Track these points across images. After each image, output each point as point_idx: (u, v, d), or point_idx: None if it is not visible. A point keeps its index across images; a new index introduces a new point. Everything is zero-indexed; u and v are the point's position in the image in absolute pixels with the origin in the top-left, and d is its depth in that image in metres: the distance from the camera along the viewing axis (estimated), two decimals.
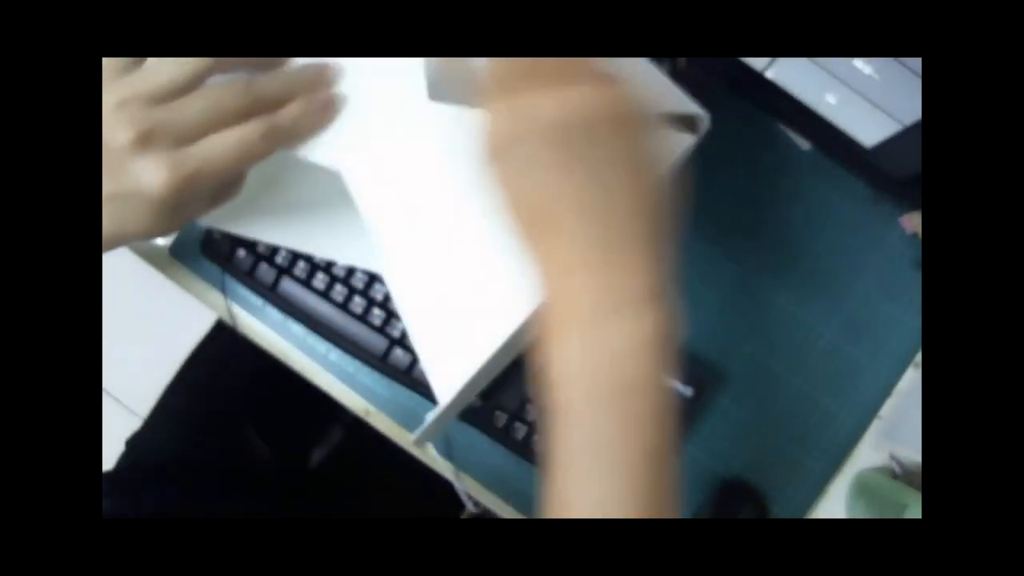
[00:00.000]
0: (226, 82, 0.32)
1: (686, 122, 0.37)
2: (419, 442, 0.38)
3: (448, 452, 0.51)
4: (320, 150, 0.35)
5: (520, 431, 0.49)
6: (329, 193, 0.41)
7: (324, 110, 0.34)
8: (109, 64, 0.31)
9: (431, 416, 0.36)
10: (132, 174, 0.30)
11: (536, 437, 0.49)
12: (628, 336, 0.27)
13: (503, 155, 0.28)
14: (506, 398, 0.49)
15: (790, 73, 0.45)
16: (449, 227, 0.36)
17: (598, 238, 0.27)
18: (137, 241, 0.34)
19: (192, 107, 0.31)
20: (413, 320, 0.36)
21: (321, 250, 0.46)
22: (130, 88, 0.30)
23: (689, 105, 0.36)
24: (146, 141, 0.30)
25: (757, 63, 0.45)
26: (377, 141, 0.36)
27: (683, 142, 0.36)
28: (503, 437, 0.49)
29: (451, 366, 0.35)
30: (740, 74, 0.45)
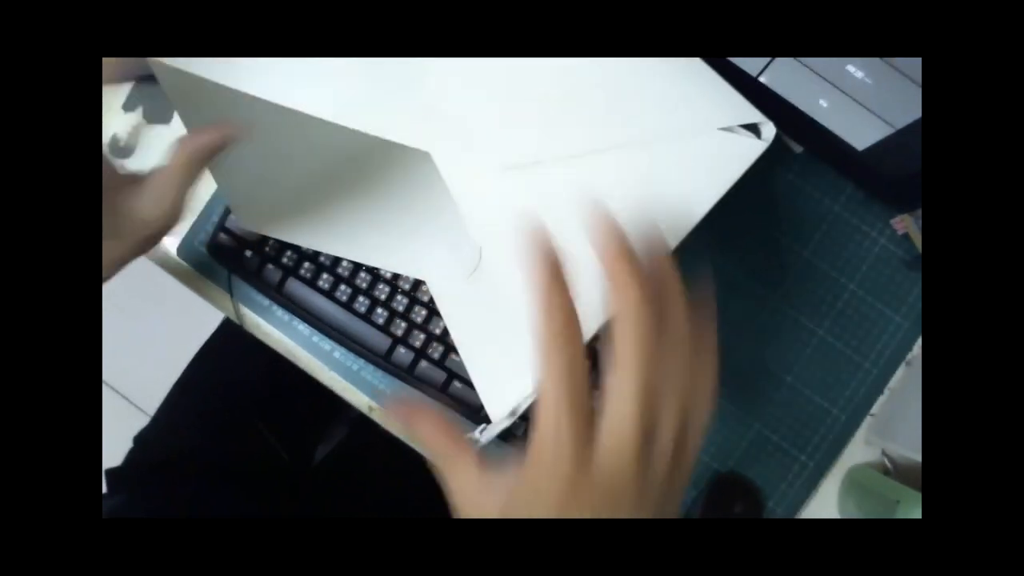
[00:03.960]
0: None
1: (751, 130, 0.37)
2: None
3: None
4: None
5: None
6: (377, 200, 0.42)
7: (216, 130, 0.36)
8: None
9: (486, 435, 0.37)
10: None
11: None
12: None
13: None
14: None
15: (783, 77, 0.46)
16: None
17: None
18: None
19: None
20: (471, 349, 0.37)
21: (368, 257, 0.47)
22: None
23: (755, 113, 0.36)
24: None
25: (751, 68, 0.46)
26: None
27: (755, 148, 0.36)
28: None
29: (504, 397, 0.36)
30: (734, 78, 0.45)
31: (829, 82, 0.44)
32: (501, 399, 0.37)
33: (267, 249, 0.50)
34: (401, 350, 0.49)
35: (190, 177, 0.37)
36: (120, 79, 0.52)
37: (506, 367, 0.37)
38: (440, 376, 0.49)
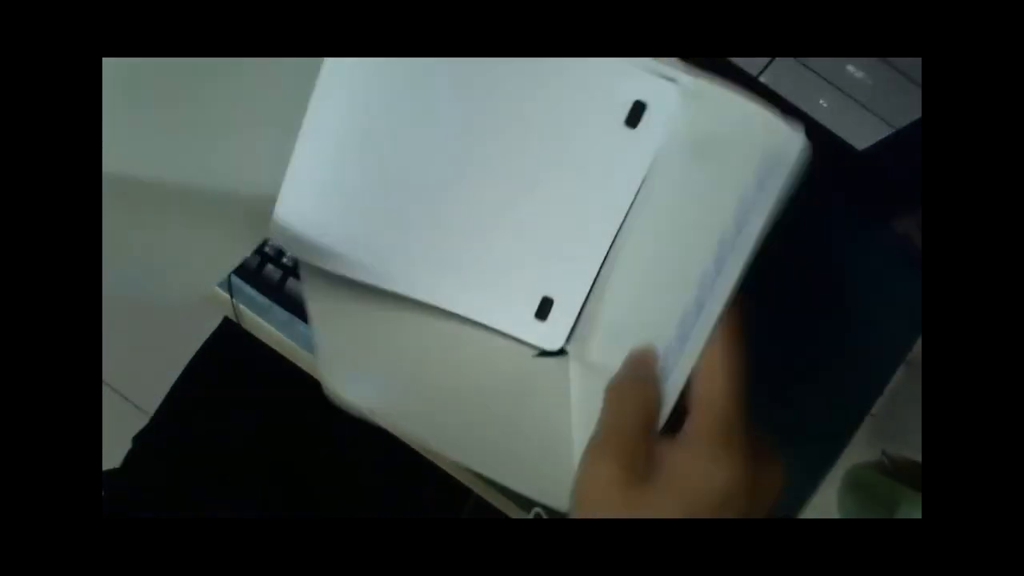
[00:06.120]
0: None
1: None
2: None
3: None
4: None
5: None
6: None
7: None
8: None
9: None
10: None
11: None
12: None
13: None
14: None
15: (783, 77, 0.46)
16: None
17: None
18: None
19: None
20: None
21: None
22: None
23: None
24: None
25: (751, 68, 0.46)
26: None
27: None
28: None
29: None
30: (734, 78, 0.45)
31: (829, 82, 0.44)
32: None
33: (267, 249, 0.50)
34: None
35: None
36: None
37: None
38: None
